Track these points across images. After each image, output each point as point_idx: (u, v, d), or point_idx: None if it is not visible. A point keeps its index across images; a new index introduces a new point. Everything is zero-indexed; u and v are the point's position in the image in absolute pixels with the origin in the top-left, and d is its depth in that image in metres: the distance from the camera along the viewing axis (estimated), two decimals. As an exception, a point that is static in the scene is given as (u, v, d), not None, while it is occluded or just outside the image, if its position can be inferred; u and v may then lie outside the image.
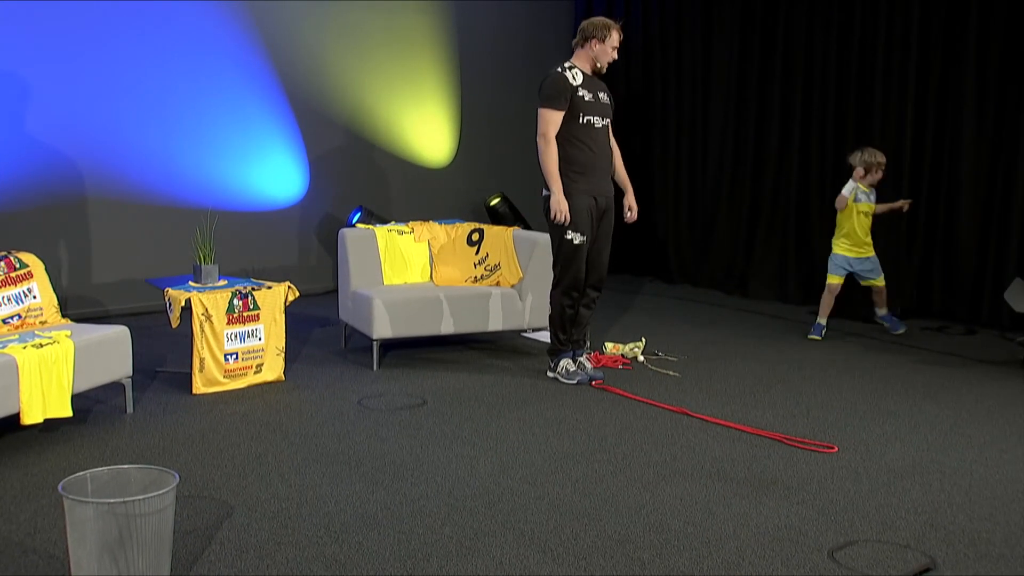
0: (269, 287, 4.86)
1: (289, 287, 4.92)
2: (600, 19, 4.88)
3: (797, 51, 7.31)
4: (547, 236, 5.10)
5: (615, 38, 4.83)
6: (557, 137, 4.78)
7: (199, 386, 4.64)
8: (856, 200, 6.04)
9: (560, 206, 4.72)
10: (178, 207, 6.78)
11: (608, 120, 4.91)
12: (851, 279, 6.25)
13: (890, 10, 6.71)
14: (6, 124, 6.06)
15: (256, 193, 7.24)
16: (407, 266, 5.73)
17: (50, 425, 4.03)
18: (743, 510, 3.29)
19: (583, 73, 4.84)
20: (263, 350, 4.82)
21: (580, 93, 4.77)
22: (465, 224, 5.92)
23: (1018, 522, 3.22)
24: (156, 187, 6.72)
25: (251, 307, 4.74)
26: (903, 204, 6.25)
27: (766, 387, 4.91)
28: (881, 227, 6.83)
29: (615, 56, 4.88)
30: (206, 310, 4.60)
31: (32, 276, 4.47)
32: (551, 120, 4.75)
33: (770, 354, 5.65)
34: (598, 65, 4.88)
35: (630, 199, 5.14)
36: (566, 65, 4.84)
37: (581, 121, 4.77)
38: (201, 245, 4.90)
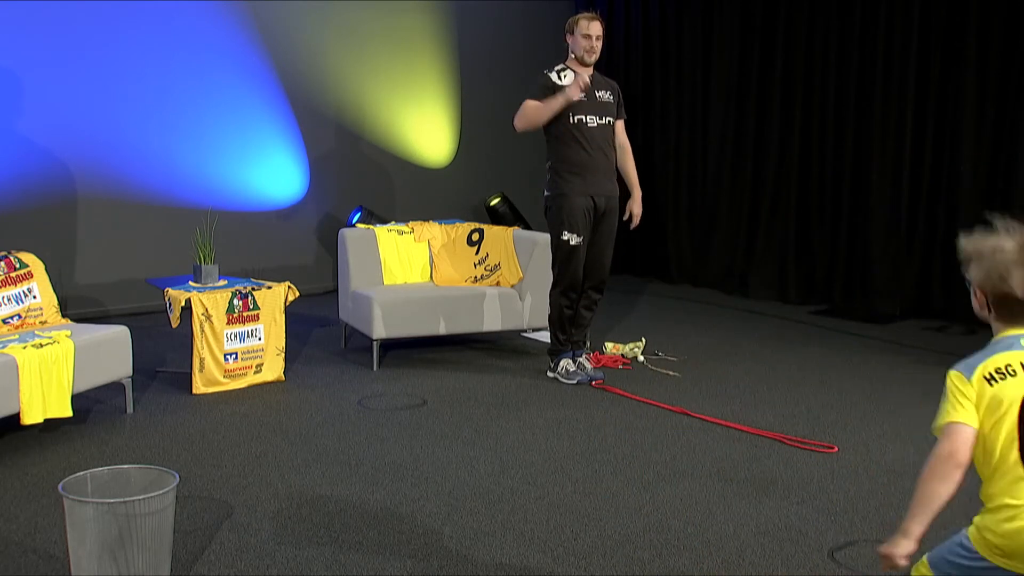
0: (269, 287, 4.86)
1: (289, 287, 4.92)
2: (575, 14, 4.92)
3: (797, 52, 7.30)
4: (547, 236, 5.09)
5: (582, 26, 4.79)
6: (553, 136, 4.81)
7: (199, 386, 4.64)
8: None
9: (571, 90, 4.65)
10: (178, 207, 6.77)
11: (609, 119, 4.88)
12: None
13: (890, 10, 6.71)
14: (6, 124, 6.06)
15: (256, 193, 7.24)
16: (407, 266, 5.73)
17: (50, 425, 4.03)
18: (743, 510, 3.29)
19: (575, 72, 4.83)
20: (263, 350, 4.82)
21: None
22: (465, 224, 5.92)
23: (1018, 522, 3.22)
24: (156, 187, 6.72)
25: (251, 307, 4.74)
26: None
27: (766, 387, 4.91)
28: (882, 226, 6.84)
29: (590, 46, 4.80)
30: (206, 310, 4.60)
31: (32, 276, 4.47)
32: (524, 106, 4.77)
33: (770, 354, 5.64)
34: (573, 57, 4.86)
35: (634, 204, 5.07)
36: (557, 67, 4.85)
37: (572, 121, 4.75)
38: (201, 245, 4.90)
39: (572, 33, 4.83)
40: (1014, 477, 1.85)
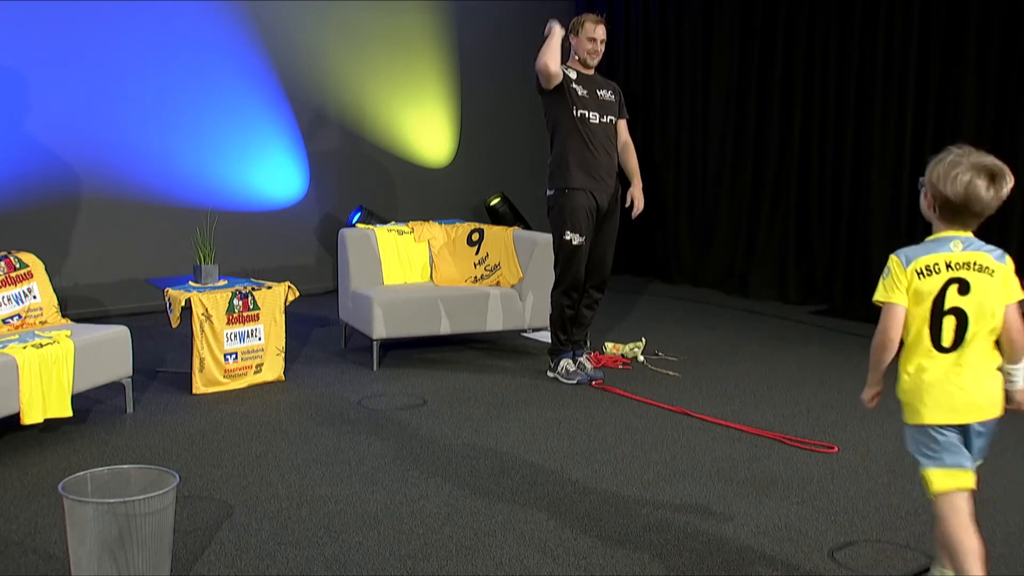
0: (269, 287, 4.86)
1: (289, 287, 4.92)
2: (580, 15, 4.91)
3: (797, 52, 7.30)
4: (547, 236, 5.10)
5: (588, 28, 4.80)
6: (556, 133, 4.82)
7: (199, 386, 4.64)
8: None
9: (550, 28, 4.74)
10: (178, 207, 6.77)
11: (611, 118, 4.89)
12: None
13: (890, 10, 6.71)
14: (6, 124, 6.06)
15: (256, 193, 7.24)
16: (407, 266, 5.73)
17: (50, 425, 4.03)
18: (743, 510, 3.29)
19: (577, 72, 4.85)
20: (263, 350, 4.82)
21: (574, 86, 4.79)
22: (465, 224, 5.92)
23: (1018, 522, 3.22)
24: (156, 187, 6.72)
25: (251, 307, 4.74)
26: None
27: (766, 387, 4.91)
28: (882, 226, 6.85)
29: (594, 48, 4.81)
30: (206, 310, 4.60)
31: (32, 276, 4.47)
32: (536, 70, 4.74)
33: (770, 354, 5.64)
34: (577, 58, 4.85)
35: (635, 189, 5.02)
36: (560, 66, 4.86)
37: (576, 114, 4.77)
38: (201, 245, 4.90)
39: (577, 34, 4.83)
40: (925, 349, 2.41)
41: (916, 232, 6.71)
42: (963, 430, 2.42)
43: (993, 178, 2.32)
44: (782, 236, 7.51)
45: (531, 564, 2.88)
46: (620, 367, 5.26)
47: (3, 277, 4.35)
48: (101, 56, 6.41)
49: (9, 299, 4.35)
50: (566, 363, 4.96)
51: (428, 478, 3.58)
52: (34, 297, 4.45)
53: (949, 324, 2.37)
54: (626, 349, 5.50)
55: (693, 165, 8.22)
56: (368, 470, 3.66)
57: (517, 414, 4.41)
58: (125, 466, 2.82)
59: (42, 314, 4.45)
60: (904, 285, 2.38)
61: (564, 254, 4.83)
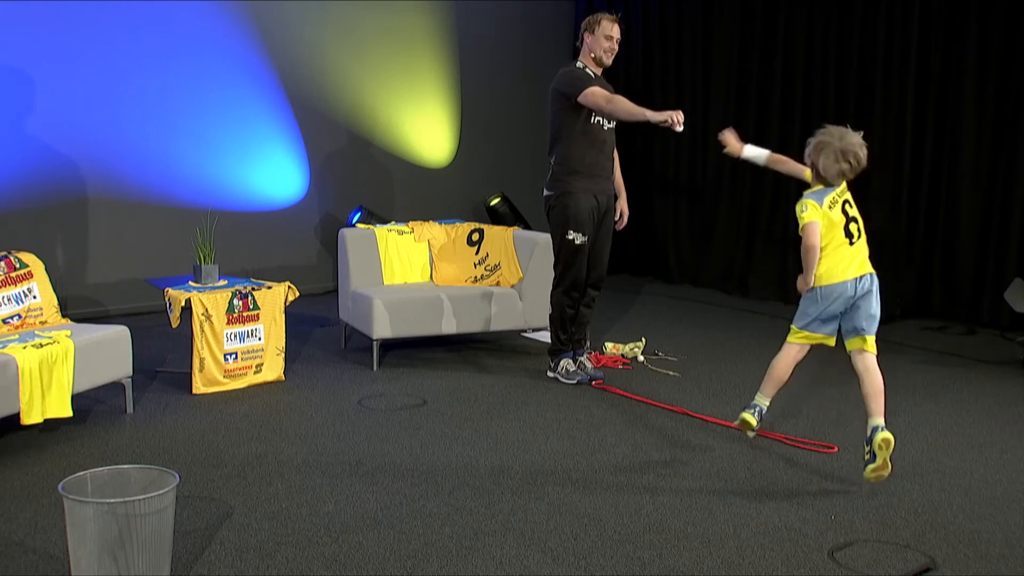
0: (269, 287, 4.86)
1: (289, 287, 4.92)
2: (595, 14, 4.88)
3: (797, 52, 7.31)
4: (547, 236, 5.10)
5: (605, 27, 4.75)
6: (563, 135, 4.76)
7: (199, 386, 4.64)
8: None
9: (663, 115, 4.36)
10: (178, 207, 6.77)
11: (614, 123, 4.88)
12: None
13: (890, 10, 6.71)
14: (6, 124, 6.06)
15: (256, 193, 7.24)
16: (407, 266, 5.73)
17: (50, 425, 4.03)
18: (743, 510, 3.29)
19: (592, 72, 4.81)
20: (263, 350, 4.82)
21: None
22: (465, 224, 5.92)
23: (1018, 522, 3.22)
24: (156, 187, 6.72)
25: (251, 307, 4.74)
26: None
27: (766, 387, 4.90)
28: (882, 226, 6.84)
29: (611, 47, 4.77)
30: (206, 310, 4.60)
31: (32, 276, 4.47)
32: (592, 97, 4.58)
33: (770, 354, 5.60)
34: (592, 57, 4.82)
35: (622, 204, 5.10)
36: (577, 64, 4.83)
37: (592, 120, 4.73)
38: (201, 245, 4.90)
39: (592, 32, 4.77)
40: (840, 246, 3.64)
41: (916, 232, 6.72)
42: (852, 298, 3.68)
43: (846, 155, 3.53)
44: (782, 236, 7.51)
45: (531, 564, 2.88)
46: (620, 367, 5.26)
47: (3, 277, 4.36)
48: (101, 56, 6.41)
49: (9, 299, 4.35)
50: (566, 363, 4.96)
51: (428, 478, 3.58)
52: (34, 297, 4.45)
53: (854, 227, 3.63)
54: (626, 349, 5.50)
55: (693, 165, 8.22)
56: (368, 470, 3.66)
57: (517, 414, 4.41)
58: (125, 466, 2.82)
59: (42, 314, 4.45)
60: (820, 214, 3.60)
61: (566, 254, 4.82)
